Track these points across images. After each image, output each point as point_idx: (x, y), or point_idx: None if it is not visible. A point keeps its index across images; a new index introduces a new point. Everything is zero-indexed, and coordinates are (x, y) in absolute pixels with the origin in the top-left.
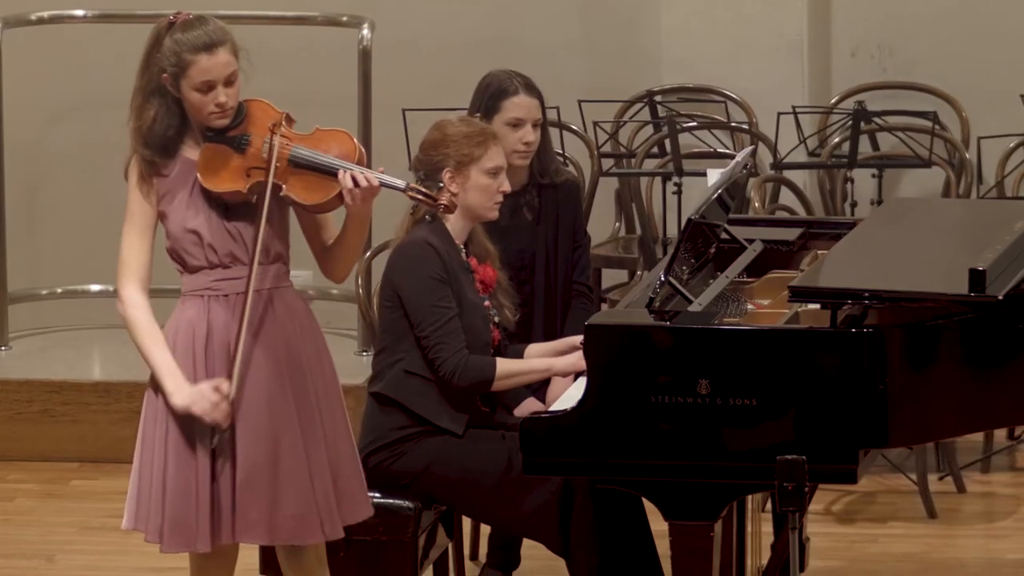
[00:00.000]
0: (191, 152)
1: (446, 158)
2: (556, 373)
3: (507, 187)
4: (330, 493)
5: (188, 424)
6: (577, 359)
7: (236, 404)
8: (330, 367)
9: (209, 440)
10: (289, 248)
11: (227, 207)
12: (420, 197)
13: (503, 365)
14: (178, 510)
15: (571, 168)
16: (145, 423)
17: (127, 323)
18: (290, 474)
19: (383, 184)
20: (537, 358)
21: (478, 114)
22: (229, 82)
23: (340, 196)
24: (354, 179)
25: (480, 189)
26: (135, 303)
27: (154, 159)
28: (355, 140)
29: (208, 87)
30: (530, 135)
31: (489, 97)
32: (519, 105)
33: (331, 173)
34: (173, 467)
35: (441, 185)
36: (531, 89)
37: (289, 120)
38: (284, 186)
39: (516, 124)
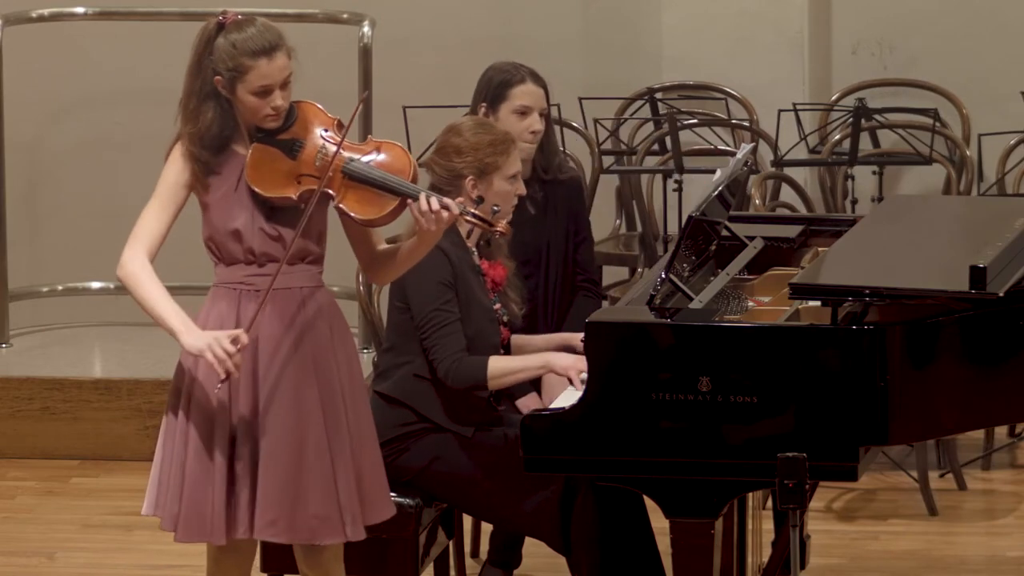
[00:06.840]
0: (240, 147)
1: (468, 166)
2: (553, 370)
3: (523, 190)
4: (353, 494)
5: (210, 416)
6: (576, 359)
7: (263, 401)
8: (358, 370)
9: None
10: (325, 250)
11: (271, 208)
12: (476, 222)
13: (497, 364)
14: (194, 501)
15: (572, 164)
16: (169, 413)
17: (128, 280)
18: (314, 473)
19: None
20: (533, 353)
21: (483, 104)
22: (285, 85)
23: (393, 212)
24: (430, 205)
25: (501, 196)
26: (135, 260)
27: (209, 161)
28: (410, 155)
29: (266, 91)
30: (537, 123)
31: (496, 86)
32: (527, 93)
33: (386, 189)
34: (193, 457)
35: (497, 209)
36: (537, 78)
37: (340, 126)
38: (337, 198)
39: (523, 112)
